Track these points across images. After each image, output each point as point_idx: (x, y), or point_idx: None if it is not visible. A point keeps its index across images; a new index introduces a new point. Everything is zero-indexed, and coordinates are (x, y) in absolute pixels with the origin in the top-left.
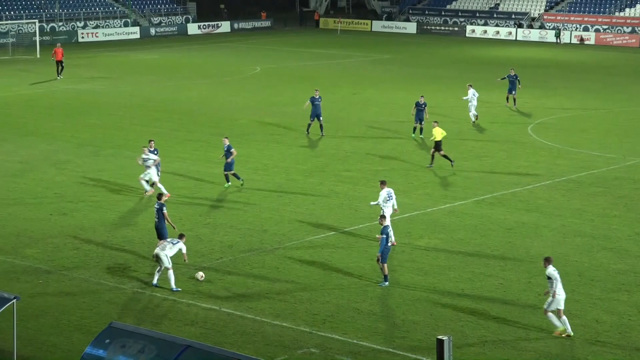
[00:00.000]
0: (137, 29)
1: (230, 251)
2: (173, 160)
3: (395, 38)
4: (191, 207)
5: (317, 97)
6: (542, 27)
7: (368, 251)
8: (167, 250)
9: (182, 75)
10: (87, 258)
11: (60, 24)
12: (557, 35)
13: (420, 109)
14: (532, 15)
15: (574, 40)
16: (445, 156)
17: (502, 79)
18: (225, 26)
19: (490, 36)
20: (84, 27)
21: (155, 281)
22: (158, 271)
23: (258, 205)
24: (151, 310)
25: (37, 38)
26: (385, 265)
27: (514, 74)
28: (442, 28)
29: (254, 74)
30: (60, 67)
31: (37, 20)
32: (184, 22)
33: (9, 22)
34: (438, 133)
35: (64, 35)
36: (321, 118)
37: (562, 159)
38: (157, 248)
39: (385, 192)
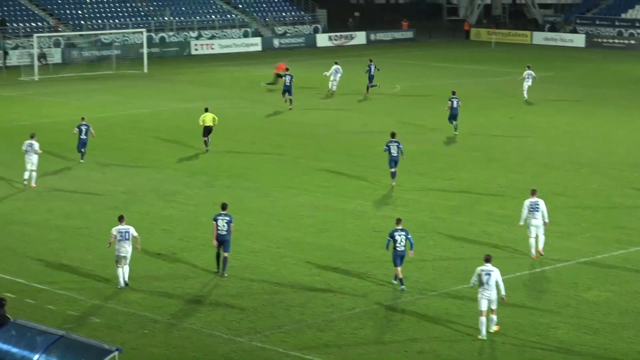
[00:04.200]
0: (258, 40)
1: (364, 301)
2: (299, 193)
3: (560, 52)
4: (320, 248)
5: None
6: None
7: (526, 304)
8: (128, 249)
9: (309, 93)
10: (198, 305)
11: (171, 34)
12: None
13: (454, 107)
14: None
15: None
16: (205, 142)
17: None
18: (360, 37)
19: None
20: (197, 38)
21: (122, 283)
22: (121, 269)
23: None
24: None
25: (145, 50)
26: (398, 268)
27: (373, 65)
28: (616, 41)
29: (393, 93)
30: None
31: (144, 30)
32: (312, 32)
33: (114, 31)
34: (209, 118)
35: (175, 47)
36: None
37: None
38: (121, 250)
39: (528, 201)
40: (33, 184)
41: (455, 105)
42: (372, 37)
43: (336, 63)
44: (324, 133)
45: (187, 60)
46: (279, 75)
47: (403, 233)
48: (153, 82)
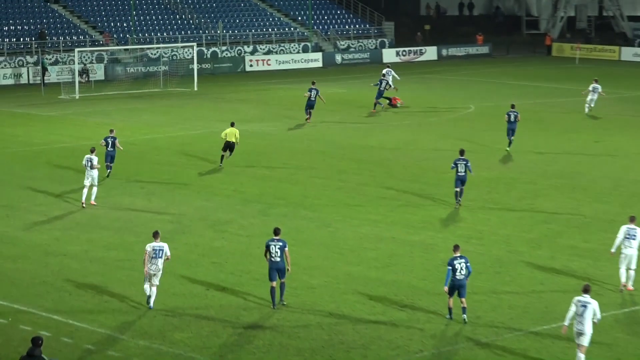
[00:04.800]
0: (319, 55)
1: (432, 342)
2: (363, 224)
3: None
4: (384, 284)
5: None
6: None
7: (615, 347)
8: (160, 267)
9: (376, 114)
10: (250, 346)
11: (224, 48)
12: None
13: (511, 120)
14: None
15: None
16: (222, 156)
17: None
18: (430, 52)
19: None
20: (252, 53)
21: (152, 303)
22: (150, 291)
23: (470, 285)
24: None
25: (195, 66)
26: (450, 299)
27: (385, 79)
28: None
29: (466, 113)
30: None
31: (195, 44)
32: (378, 46)
33: (161, 45)
34: (231, 134)
35: (228, 63)
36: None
37: None
38: (152, 268)
39: (626, 227)
40: (93, 201)
41: (512, 119)
42: (444, 52)
43: (388, 66)
44: (390, 157)
45: (241, 77)
46: (388, 99)
47: (463, 260)
48: (204, 101)
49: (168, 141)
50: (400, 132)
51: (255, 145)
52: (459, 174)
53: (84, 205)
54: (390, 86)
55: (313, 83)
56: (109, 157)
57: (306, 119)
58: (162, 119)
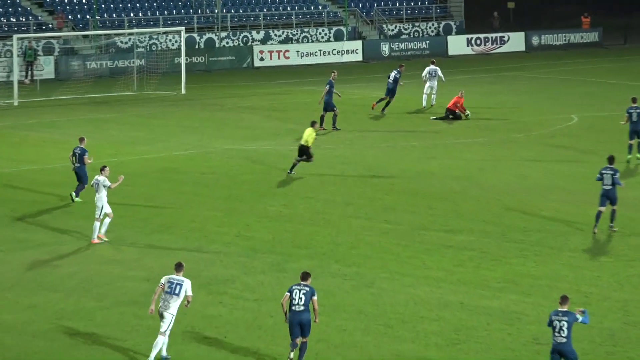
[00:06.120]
0: (358, 44)
1: None
2: (418, 283)
3: None
4: None
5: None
6: None
7: None
8: (173, 307)
9: (434, 127)
10: None
11: (224, 35)
12: None
13: (634, 120)
14: None
15: None
16: (300, 161)
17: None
18: (515, 41)
19: None
20: (263, 42)
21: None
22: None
23: None
24: None
25: (183, 60)
26: None
27: (396, 72)
28: None
29: (566, 126)
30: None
31: (182, 29)
32: (441, 32)
33: (136, 30)
34: (306, 136)
35: (229, 55)
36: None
37: None
38: (162, 305)
39: None
40: (101, 235)
41: (635, 118)
42: (534, 40)
43: (432, 63)
44: (458, 189)
45: (247, 75)
46: (451, 113)
47: (565, 319)
48: (195, 109)
49: (144, 165)
50: (472, 154)
51: (266, 171)
52: (605, 187)
53: (95, 242)
54: (400, 82)
55: (333, 72)
56: (77, 177)
57: (322, 128)
58: (136, 134)
